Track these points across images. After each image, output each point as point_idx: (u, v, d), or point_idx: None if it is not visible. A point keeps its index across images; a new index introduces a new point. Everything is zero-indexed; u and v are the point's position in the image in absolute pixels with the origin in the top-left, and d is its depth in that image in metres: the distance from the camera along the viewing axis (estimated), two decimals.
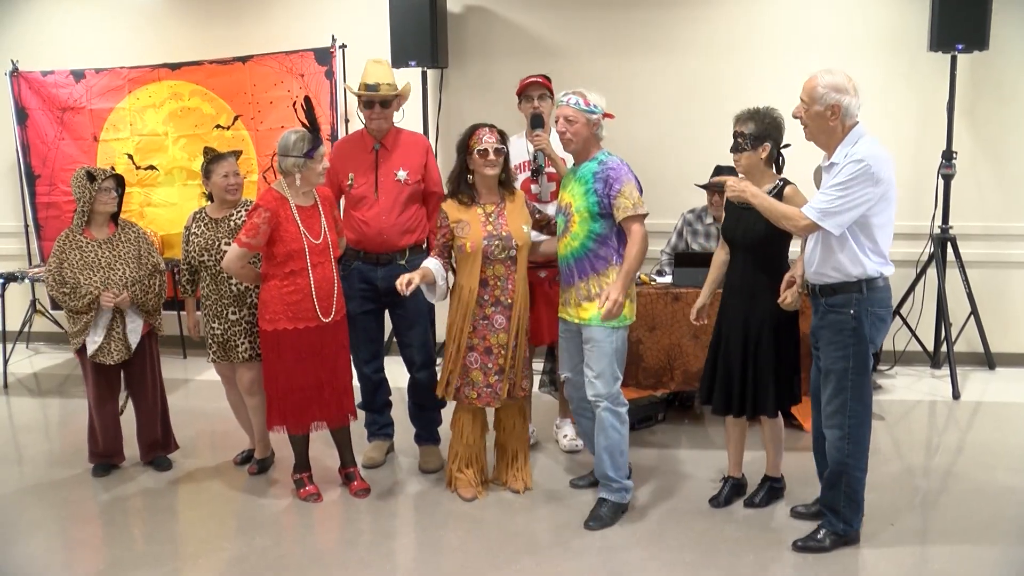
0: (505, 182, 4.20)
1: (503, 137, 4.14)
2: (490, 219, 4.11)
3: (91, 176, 4.39)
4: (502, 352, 4.14)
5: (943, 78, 5.91)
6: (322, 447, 4.55)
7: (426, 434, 4.79)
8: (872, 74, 6.10)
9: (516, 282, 4.13)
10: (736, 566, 3.64)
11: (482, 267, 4.06)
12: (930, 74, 6.07)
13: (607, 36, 6.49)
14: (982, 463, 4.64)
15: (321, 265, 4.13)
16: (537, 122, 4.59)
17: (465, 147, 4.12)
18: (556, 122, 3.98)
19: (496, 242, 4.06)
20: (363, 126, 4.59)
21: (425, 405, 4.76)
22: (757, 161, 3.83)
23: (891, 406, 5.57)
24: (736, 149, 3.84)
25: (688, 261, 5.09)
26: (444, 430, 4.84)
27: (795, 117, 3.59)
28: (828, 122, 3.46)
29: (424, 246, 4.58)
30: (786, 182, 3.87)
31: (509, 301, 4.12)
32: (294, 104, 4.32)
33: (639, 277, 5.01)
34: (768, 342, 3.89)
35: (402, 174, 4.49)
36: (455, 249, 4.13)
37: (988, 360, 6.31)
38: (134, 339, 4.52)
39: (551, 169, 4.62)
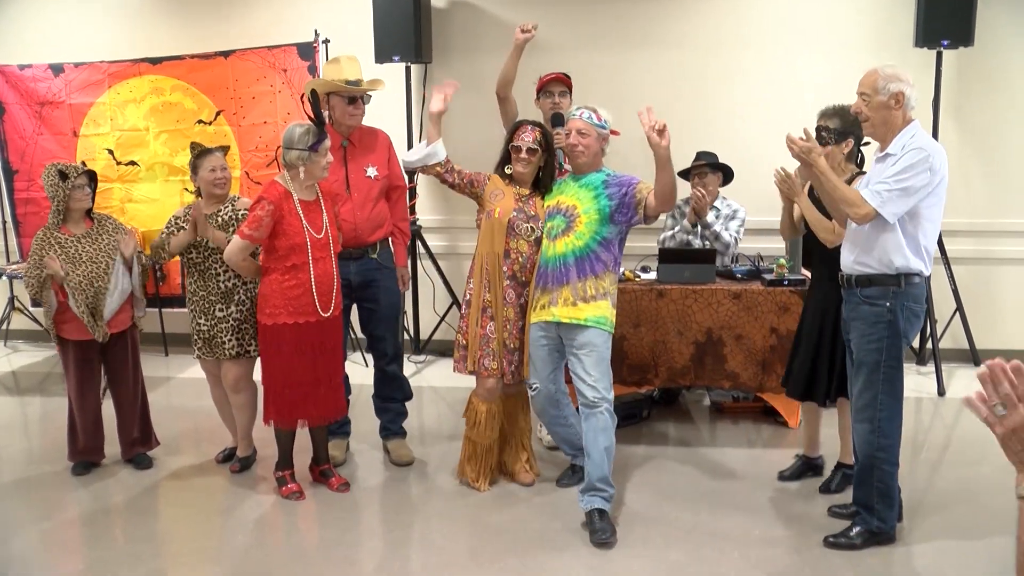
0: (540, 183, 4.22)
1: (545, 137, 4.18)
2: (522, 199, 4.17)
3: (63, 174, 4.33)
4: (506, 326, 4.15)
5: (929, 74, 5.90)
6: (302, 446, 4.50)
7: (395, 427, 4.83)
8: (857, 70, 5.97)
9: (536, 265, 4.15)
10: (721, 563, 3.62)
11: (507, 238, 4.10)
12: (916, 70, 5.92)
13: (593, 30, 6.47)
14: (968, 459, 4.65)
15: (322, 260, 4.11)
16: (557, 121, 4.61)
17: (509, 140, 4.20)
18: (567, 135, 4.01)
19: (523, 218, 4.11)
20: (328, 119, 4.56)
21: (394, 398, 4.81)
22: (839, 155, 3.91)
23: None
24: (820, 143, 3.88)
25: (672, 257, 5.07)
26: (415, 425, 4.89)
27: (855, 113, 3.58)
28: (892, 111, 3.46)
29: (389, 240, 4.70)
30: (863, 174, 3.93)
31: (524, 279, 4.15)
32: (301, 97, 4.30)
33: (623, 273, 4.98)
34: None
35: (372, 171, 4.52)
36: (484, 216, 4.19)
37: (974, 357, 6.31)
38: (119, 301, 4.44)
39: (568, 167, 4.62)
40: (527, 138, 4.12)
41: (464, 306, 4.28)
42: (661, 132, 3.66)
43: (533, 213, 4.14)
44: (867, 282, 3.56)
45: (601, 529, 3.79)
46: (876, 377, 3.55)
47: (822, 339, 4.10)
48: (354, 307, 4.70)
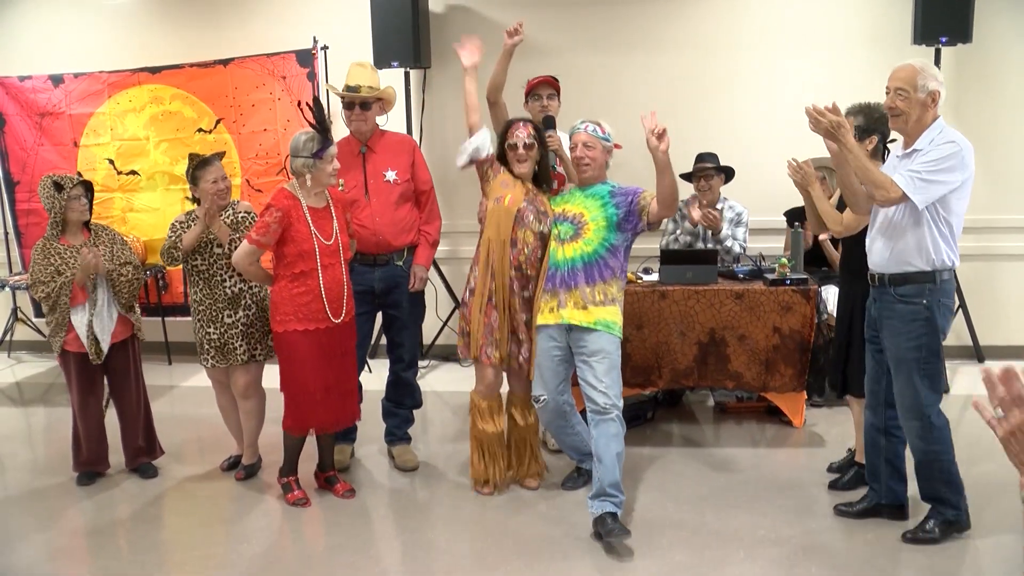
0: (538, 178, 4.24)
1: (538, 132, 4.21)
2: (530, 194, 4.17)
3: (58, 186, 4.33)
4: (512, 315, 4.16)
5: None
6: (306, 453, 4.50)
7: (401, 432, 4.84)
8: (856, 68, 6.10)
9: (540, 260, 4.14)
10: (727, 563, 3.62)
11: (514, 226, 4.10)
12: None
13: (591, 34, 6.47)
14: (972, 456, 4.62)
15: (332, 266, 4.11)
16: (548, 123, 4.62)
17: (502, 142, 4.21)
18: (573, 148, 4.05)
19: (532, 210, 4.11)
20: (346, 129, 4.59)
21: (404, 403, 4.82)
22: (863, 151, 3.86)
23: None
24: None
25: (674, 259, 5.07)
26: (420, 430, 4.94)
27: (888, 108, 3.57)
28: (928, 109, 3.47)
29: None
30: None
31: (529, 272, 4.14)
32: (299, 104, 4.31)
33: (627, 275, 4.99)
34: None
35: (391, 175, 4.52)
36: (493, 202, 4.17)
37: (977, 353, 6.31)
38: (105, 336, 4.44)
39: (561, 169, 4.64)
40: (521, 135, 4.14)
41: (467, 293, 4.28)
42: (660, 137, 3.68)
43: (543, 209, 4.15)
44: (902, 280, 3.55)
45: (617, 529, 3.74)
46: (917, 375, 3.55)
47: (851, 332, 4.14)
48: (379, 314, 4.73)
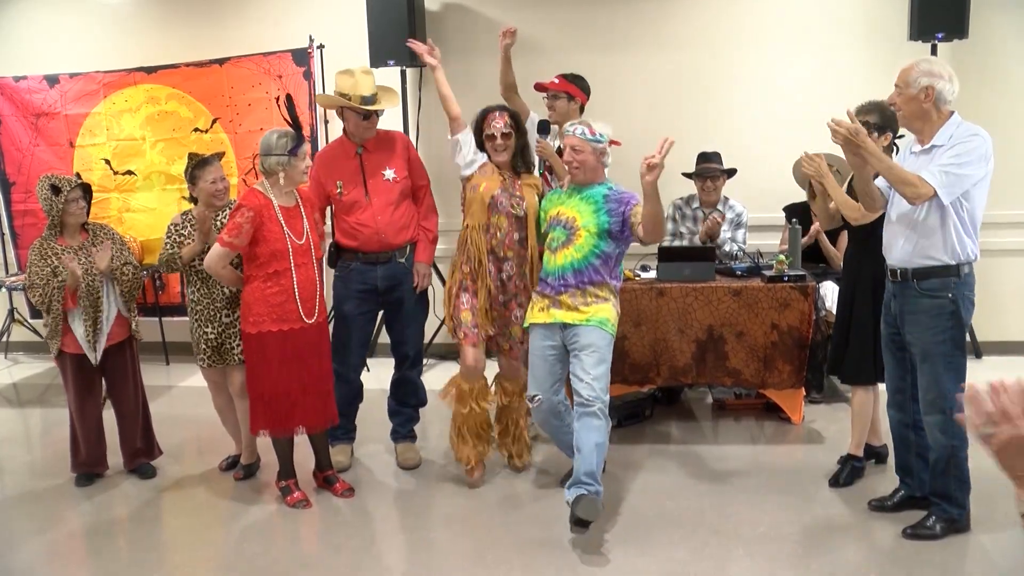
0: (517, 163, 4.28)
1: (515, 119, 4.24)
2: (506, 182, 4.23)
3: (55, 189, 4.32)
4: (488, 295, 4.22)
5: None
6: (304, 453, 4.50)
7: (404, 431, 4.83)
8: (853, 64, 6.11)
9: (515, 241, 4.22)
10: (727, 560, 3.62)
11: (488, 213, 4.17)
12: None
13: (588, 31, 6.47)
14: (971, 452, 4.63)
15: (304, 266, 4.10)
16: (542, 128, 4.61)
17: (479, 131, 4.24)
18: (563, 152, 4.05)
19: (506, 196, 4.18)
20: (343, 129, 4.60)
21: (407, 402, 4.82)
22: (879, 147, 3.89)
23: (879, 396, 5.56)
24: None
25: (672, 256, 5.07)
26: (420, 428, 4.92)
27: (890, 104, 3.60)
28: (922, 105, 3.48)
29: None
30: None
31: (502, 254, 4.21)
32: (277, 100, 4.30)
33: (623, 273, 4.98)
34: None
35: (389, 173, 4.52)
36: (470, 189, 4.25)
37: (975, 349, 6.31)
38: (106, 326, 4.44)
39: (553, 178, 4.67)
40: (498, 124, 4.18)
41: (450, 279, 4.36)
42: (651, 169, 3.62)
43: (519, 194, 4.21)
44: (926, 275, 3.55)
45: (583, 503, 3.67)
46: (943, 369, 3.55)
47: (851, 317, 4.14)
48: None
